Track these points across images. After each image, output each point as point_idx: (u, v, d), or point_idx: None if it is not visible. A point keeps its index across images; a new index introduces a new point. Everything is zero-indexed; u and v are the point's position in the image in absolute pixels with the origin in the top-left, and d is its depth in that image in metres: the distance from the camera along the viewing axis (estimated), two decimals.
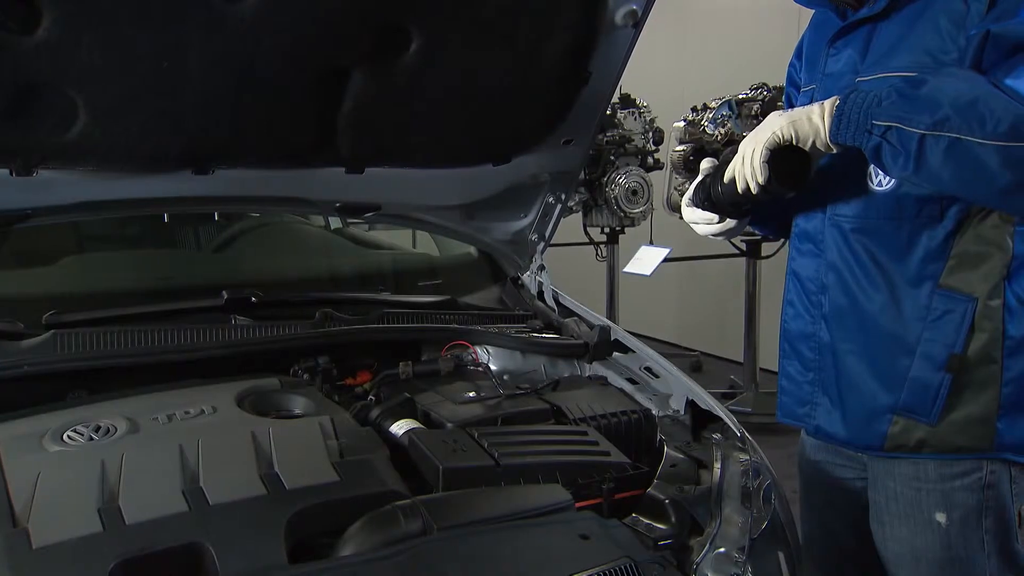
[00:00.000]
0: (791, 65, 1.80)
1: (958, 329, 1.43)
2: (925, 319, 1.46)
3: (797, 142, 1.44)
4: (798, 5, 1.67)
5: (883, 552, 1.59)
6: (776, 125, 1.45)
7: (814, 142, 1.43)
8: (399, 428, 1.64)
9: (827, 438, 1.65)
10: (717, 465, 1.61)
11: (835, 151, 1.43)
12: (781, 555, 1.55)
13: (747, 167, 1.48)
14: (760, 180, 1.46)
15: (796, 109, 1.46)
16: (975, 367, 1.44)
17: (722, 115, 4.78)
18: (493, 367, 2.06)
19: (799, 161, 1.47)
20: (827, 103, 1.42)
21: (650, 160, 5.24)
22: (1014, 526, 1.48)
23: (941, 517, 1.49)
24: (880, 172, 1.48)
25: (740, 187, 1.52)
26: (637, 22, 1.90)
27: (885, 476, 1.56)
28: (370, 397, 1.86)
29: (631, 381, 2.02)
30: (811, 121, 1.42)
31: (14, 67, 1.53)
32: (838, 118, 1.39)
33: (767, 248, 5.13)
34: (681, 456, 1.68)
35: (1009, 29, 1.33)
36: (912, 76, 1.37)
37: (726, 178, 1.57)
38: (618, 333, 2.16)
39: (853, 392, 1.56)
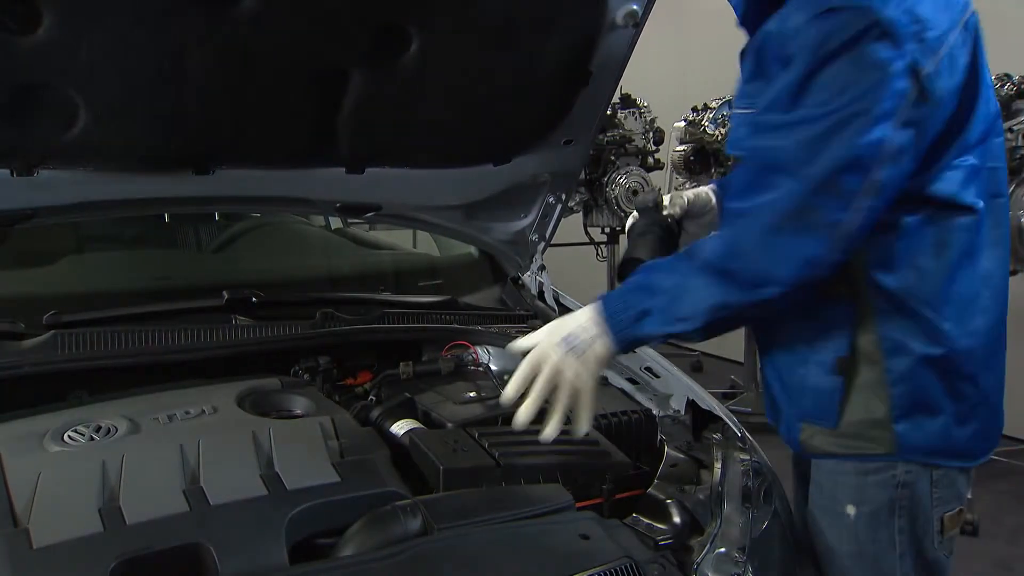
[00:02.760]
0: None
1: (842, 333, 1.43)
2: (816, 327, 1.46)
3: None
4: None
5: (815, 545, 1.58)
6: (586, 376, 1.43)
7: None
8: (399, 428, 1.64)
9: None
10: (718, 465, 1.61)
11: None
12: (782, 554, 1.56)
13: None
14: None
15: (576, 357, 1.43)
16: (861, 370, 1.43)
17: (723, 115, 4.78)
18: (493, 367, 2.05)
19: None
20: (604, 340, 1.42)
21: (651, 160, 5.24)
22: (931, 531, 1.46)
23: (851, 509, 1.48)
24: None
25: None
26: (638, 22, 1.90)
27: (815, 469, 1.56)
28: (370, 397, 1.86)
29: (631, 381, 2.02)
30: (607, 348, 1.43)
31: (14, 67, 1.53)
32: (618, 340, 1.42)
33: None
34: (682, 456, 1.68)
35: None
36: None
37: None
38: None
39: (773, 401, 1.59)
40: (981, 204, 1.39)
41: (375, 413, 1.73)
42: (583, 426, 1.44)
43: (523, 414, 1.42)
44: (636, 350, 2.06)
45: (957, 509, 1.48)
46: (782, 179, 1.31)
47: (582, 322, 1.43)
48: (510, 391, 1.41)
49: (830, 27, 1.26)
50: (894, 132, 1.26)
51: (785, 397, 1.53)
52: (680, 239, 1.69)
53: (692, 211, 1.71)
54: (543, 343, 1.43)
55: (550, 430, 1.44)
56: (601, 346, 1.41)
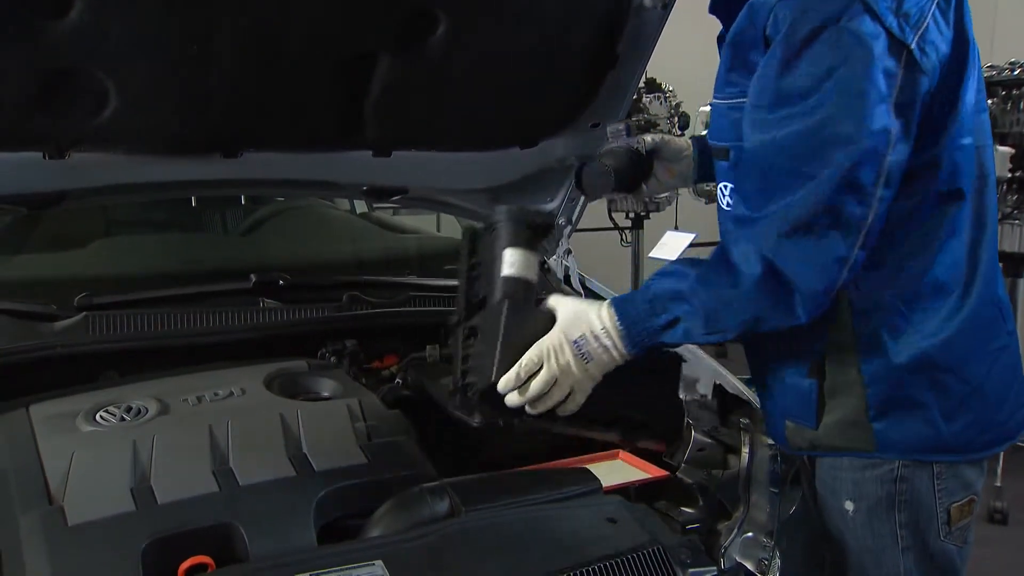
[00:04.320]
0: None
1: (816, 334, 1.37)
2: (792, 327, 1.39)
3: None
4: None
5: (826, 537, 1.55)
6: (588, 384, 1.38)
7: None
8: (511, 263, 1.45)
9: None
10: (745, 450, 1.60)
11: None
12: (809, 539, 1.55)
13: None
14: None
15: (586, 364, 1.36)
16: (836, 370, 1.38)
17: None
18: None
19: None
20: (617, 351, 1.36)
21: None
22: (936, 523, 1.41)
23: (849, 505, 1.44)
24: (726, 194, 1.44)
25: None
26: (666, 4, 1.88)
27: (816, 464, 1.52)
28: (397, 380, 1.87)
29: None
30: (613, 359, 1.37)
31: (46, 51, 1.54)
32: (635, 351, 1.36)
33: None
34: (709, 440, 1.67)
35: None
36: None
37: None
38: None
39: (760, 396, 1.56)
40: (971, 186, 1.34)
41: (485, 227, 1.55)
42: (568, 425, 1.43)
43: (514, 400, 1.36)
44: None
45: (967, 499, 1.43)
46: (792, 180, 1.24)
47: (596, 327, 1.36)
48: (512, 378, 1.34)
49: (807, 5, 1.21)
50: (892, 114, 1.20)
51: (767, 394, 1.50)
52: (649, 180, 1.70)
53: (664, 153, 1.69)
54: (554, 340, 1.36)
55: (534, 412, 1.38)
56: (610, 356, 1.36)
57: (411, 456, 1.45)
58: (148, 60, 1.64)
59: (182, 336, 1.85)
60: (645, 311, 1.35)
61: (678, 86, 5.28)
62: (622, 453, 1.68)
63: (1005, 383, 1.42)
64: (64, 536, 1.18)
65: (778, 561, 1.42)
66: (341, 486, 1.34)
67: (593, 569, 1.21)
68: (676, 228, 5.41)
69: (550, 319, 1.39)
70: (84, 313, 1.81)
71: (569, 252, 2.51)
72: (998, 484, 3.77)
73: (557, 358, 1.35)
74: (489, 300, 1.42)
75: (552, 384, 1.35)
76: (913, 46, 1.20)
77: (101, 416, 1.51)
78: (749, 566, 1.41)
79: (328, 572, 1.13)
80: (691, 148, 1.69)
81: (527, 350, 1.36)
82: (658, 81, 5.22)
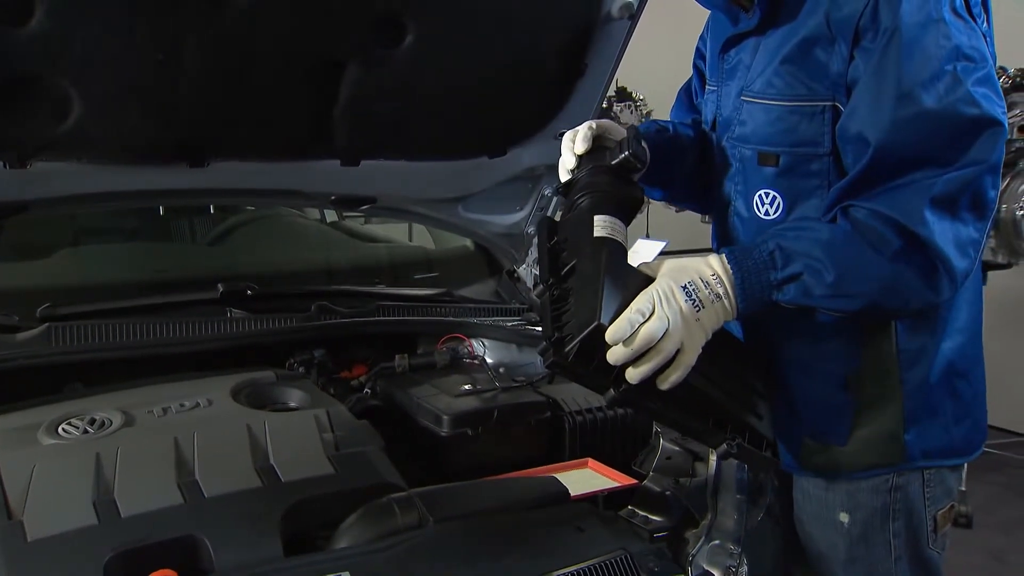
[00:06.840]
0: (695, 66, 1.68)
1: (852, 346, 1.37)
2: (820, 339, 1.38)
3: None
4: None
5: (805, 550, 1.53)
6: (699, 338, 1.22)
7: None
8: (602, 228, 1.30)
9: None
10: (712, 457, 1.61)
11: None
12: (776, 547, 1.56)
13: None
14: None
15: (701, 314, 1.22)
16: (874, 384, 1.37)
17: None
18: (489, 360, 2.06)
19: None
20: (729, 302, 1.25)
21: None
22: (926, 531, 1.43)
23: (844, 517, 1.43)
24: (766, 202, 1.40)
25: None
26: (633, 14, 1.90)
27: (792, 476, 1.51)
28: (365, 390, 1.86)
29: None
30: (726, 311, 1.26)
31: (7, 59, 1.52)
32: (744, 305, 1.26)
33: None
34: (676, 448, 1.69)
35: (854, 129, 1.26)
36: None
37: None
38: None
39: (773, 414, 1.45)
40: None
41: (574, 194, 1.41)
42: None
43: (619, 354, 1.16)
44: None
45: (948, 506, 1.46)
46: (928, 171, 1.21)
47: (707, 273, 1.24)
48: (623, 326, 1.15)
49: None
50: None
51: (788, 412, 1.43)
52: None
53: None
54: (663, 285, 1.21)
55: (636, 376, 1.18)
56: (722, 307, 1.24)
57: (379, 466, 1.44)
58: (113, 68, 1.63)
59: (147, 347, 1.83)
60: (764, 262, 1.25)
61: (648, 94, 5.32)
62: (591, 461, 1.69)
63: (984, 384, 1.46)
64: (24, 551, 1.16)
65: (745, 568, 1.44)
66: (308, 497, 1.33)
67: None
68: (647, 236, 5.44)
69: (649, 278, 1.25)
70: (47, 324, 1.79)
71: None
72: (962, 488, 3.82)
73: (668, 302, 1.19)
74: (580, 264, 1.27)
75: (663, 334, 1.17)
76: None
77: (64, 429, 1.49)
78: (716, 573, 1.42)
79: None
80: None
81: (632, 300, 1.19)
82: (628, 90, 5.25)
